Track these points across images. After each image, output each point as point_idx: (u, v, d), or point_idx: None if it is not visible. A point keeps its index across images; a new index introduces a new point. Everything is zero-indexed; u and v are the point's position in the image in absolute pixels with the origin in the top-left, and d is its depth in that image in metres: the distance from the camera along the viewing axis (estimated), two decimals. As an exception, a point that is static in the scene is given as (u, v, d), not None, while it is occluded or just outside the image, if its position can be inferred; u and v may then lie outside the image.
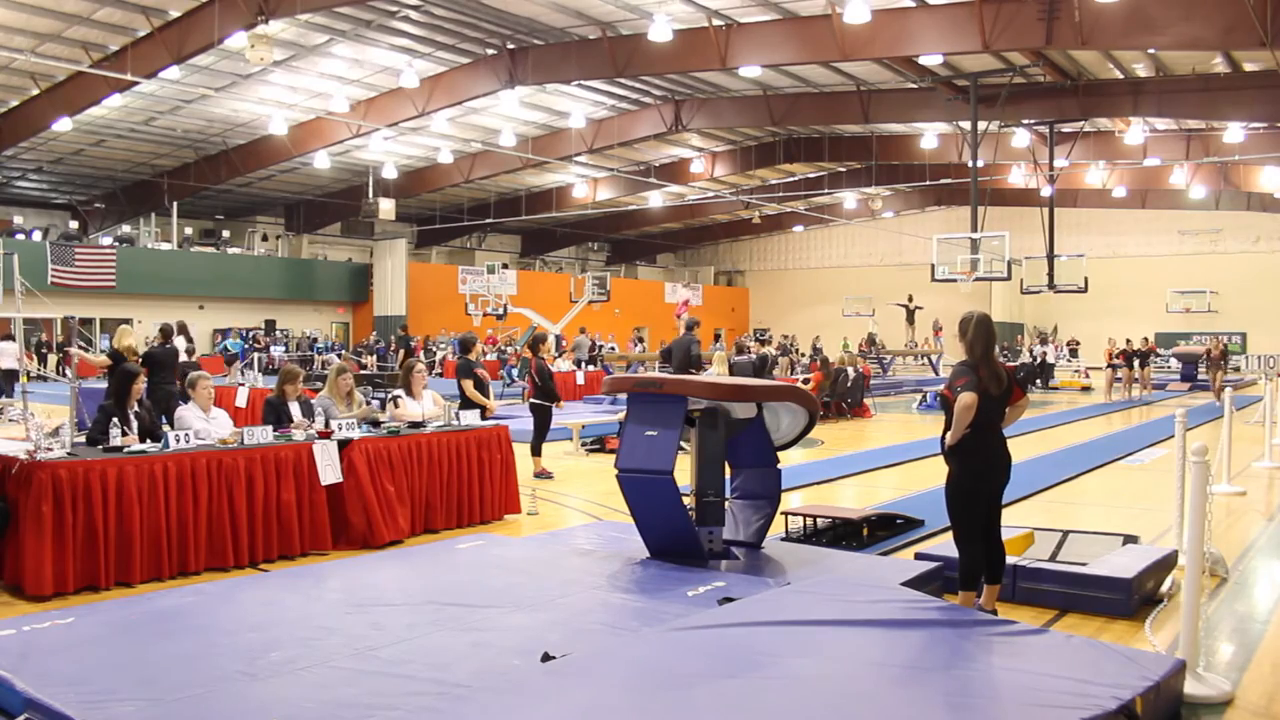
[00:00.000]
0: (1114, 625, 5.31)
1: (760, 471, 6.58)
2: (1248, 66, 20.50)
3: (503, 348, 29.36)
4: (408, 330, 26.31)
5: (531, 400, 10.76)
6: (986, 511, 5.17)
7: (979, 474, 5.09)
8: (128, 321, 29.11)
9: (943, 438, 5.13)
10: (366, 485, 7.10)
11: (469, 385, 9.66)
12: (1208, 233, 37.09)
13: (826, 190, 34.13)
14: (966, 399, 4.89)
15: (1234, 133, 24.58)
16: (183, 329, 16.72)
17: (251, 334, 30.05)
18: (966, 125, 22.46)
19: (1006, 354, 29.30)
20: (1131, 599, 5.44)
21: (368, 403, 9.14)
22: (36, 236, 29.14)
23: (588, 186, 33.88)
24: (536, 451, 10.49)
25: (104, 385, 10.49)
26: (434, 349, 30.49)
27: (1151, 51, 19.85)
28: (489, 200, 35.47)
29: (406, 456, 7.46)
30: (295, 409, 7.67)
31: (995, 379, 5.03)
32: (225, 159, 27.27)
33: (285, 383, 7.84)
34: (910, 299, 33.35)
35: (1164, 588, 5.85)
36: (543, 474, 10.32)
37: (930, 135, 27.39)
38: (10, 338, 17.47)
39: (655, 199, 35.74)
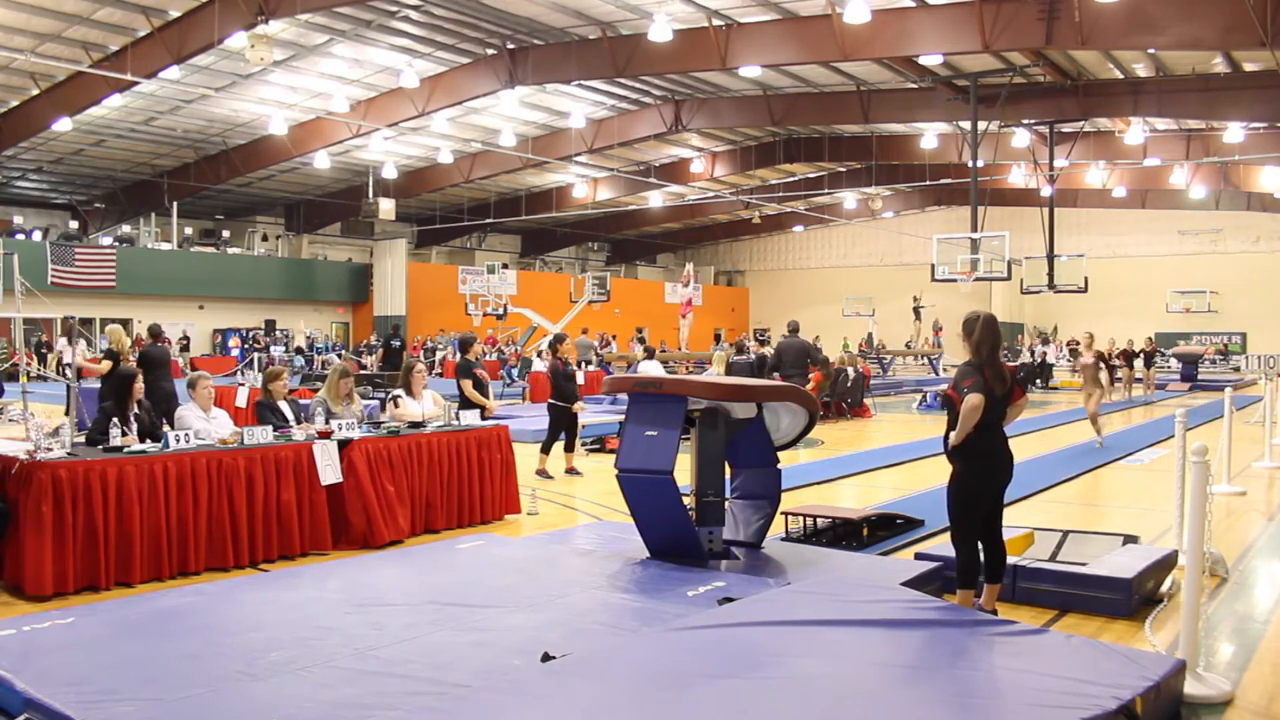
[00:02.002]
0: (1114, 625, 5.31)
1: (760, 471, 6.58)
2: (1248, 66, 20.50)
3: (503, 348, 29.37)
4: (397, 329, 26.28)
5: (549, 400, 10.80)
6: (988, 511, 5.17)
7: (983, 473, 5.10)
8: (126, 322, 29.19)
9: (946, 437, 5.12)
10: (366, 485, 7.10)
11: (468, 385, 9.68)
12: (1208, 233, 37.10)
13: (826, 190, 34.14)
14: (973, 400, 4.88)
15: (1234, 133, 24.58)
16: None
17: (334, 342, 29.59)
18: (966, 125, 22.46)
19: (1007, 354, 29.29)
20: (1131, 599, 5.44)
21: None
22: (36, 236, 29.15)
23: (588, 186, 33.89)
24: (545, 450, 10.54)
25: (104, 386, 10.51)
26: (434, 347, 30.49)
27: (1151, 51, 19.85)
28: (489, 200, 35.48)
29: (406, 456, 7.46)
30: (285, 408, 7.73)
31: (1000, 379, 5.03)
32: (225, 159, 27.28)
33: (269, 382, 7.97)
34: (917, 299, 33.43)
35: (1164, 588, 5.84)
36: (543, 473, 10.37)
37: (930, 135, 27.40)
38: None
39: (655, 199, 35.75)
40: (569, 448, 10.74)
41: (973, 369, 5.02)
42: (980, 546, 5.17)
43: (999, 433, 5.11)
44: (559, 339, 11.46)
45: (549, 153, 26.79)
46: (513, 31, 19.72)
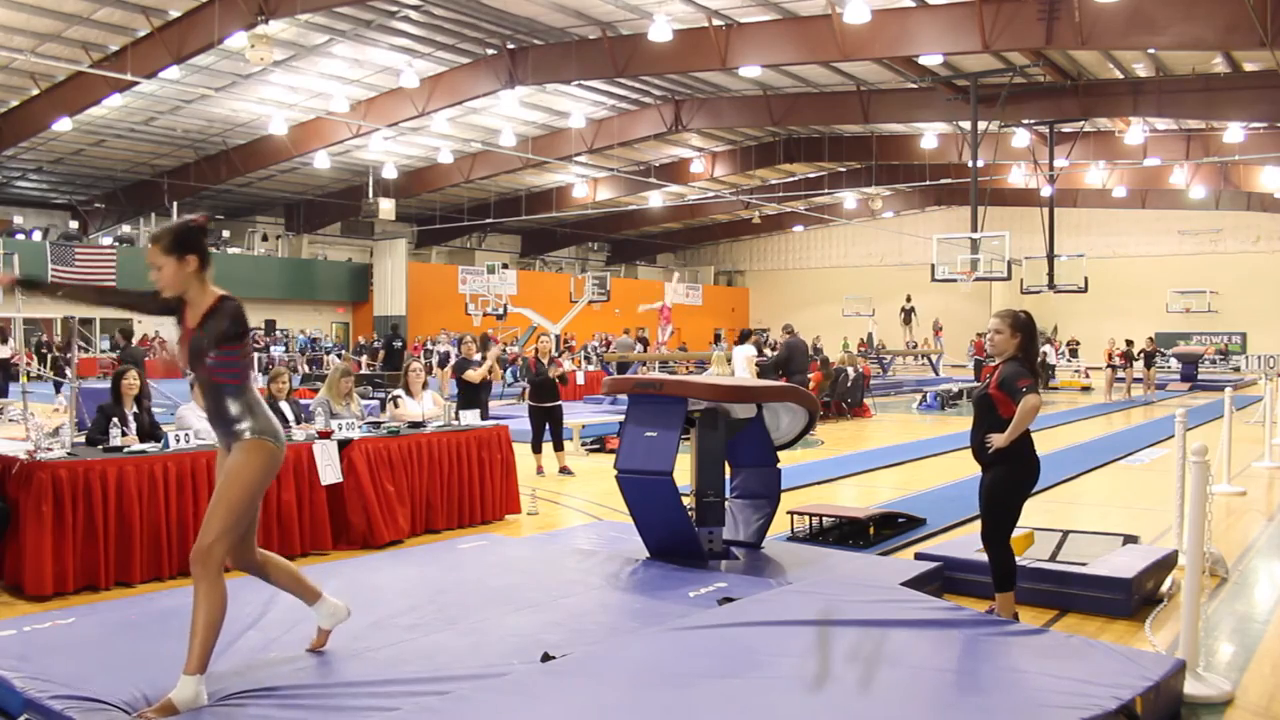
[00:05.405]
0: (1114, 625, 5.31)
1: (760, 471, 6.58)
2: (1248, 66, 20.50)
3: (504, 348, 29.31)
4: (396, 330, 26.29)
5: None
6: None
7: (1027, 476, 5.00)
8: (126, 322, 29.18)
9: (980, 439, 4.98)
10: (366, 485, 7.11)
11: (473, 374, 10.07)
12: (1208, 233, 37.07)
13: (826, 190, 34.13)
14: (1034, 401, 4.76)
15: (1234, 133, 24.57)
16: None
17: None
18: (966, 125, 22.46)
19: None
20: (1131, 599, 5.44)
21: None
22: (36, 236, 29.14)
23: (588, 186, 33.88)
24: (535, 449, 10.76)
25: (104, 386, 10.57)
26: (431, 349, 30.44)
27: (1151, 51, 19.85)
28: (489, 200, 35.47)
29: (406, 456, 7.46)
30: (286, 408, 7.74)
31: (1042, 377, 5.02)
32: (225, 159, 27.28)
33: (270, 382, 8.04)
34: (908, 299, 33.32)
35: (1164, 588, 5.85)
36: (540, 470, 10.56)
37: (930, 135, 27.39)
38: None
39: (655, 199, 35.73)
40: (558, 446, 10.85)
41: (1025, 368, 4.90)
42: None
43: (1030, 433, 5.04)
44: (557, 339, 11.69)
45: (549, 153, 26.78)
46: (513, 31, 19.72)
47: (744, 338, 15.76)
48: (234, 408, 3.82)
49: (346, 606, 4.25)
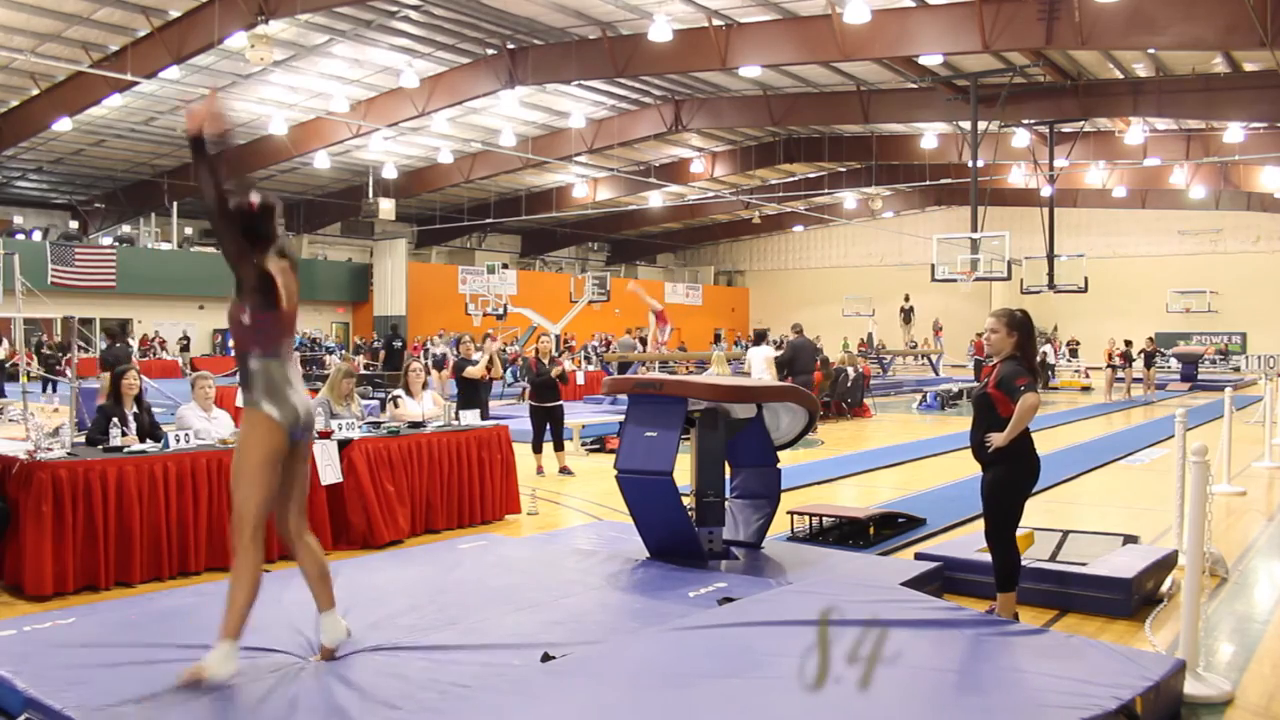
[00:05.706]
0: (1114, 625, 5.31)
1: (760, 471, 6.58)
2: (1248, 66, 20.50)
3: (503, 347, 29.32)
4: (396, 330, 26.30)
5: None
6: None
7: (1028, 474, 5.01)
8: (126, 322, 29.20)
9: (979, 438, 4.99)
10: (366, 485, 7.11)
11: (474, 370, 10.16)
12: (1208, 233, 37.08)
13: (826, 190, 34.14)
14: (1033, 400, 4.78)
15: (1234, 133, 24.59)
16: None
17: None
18: (966, 125, 22.46)
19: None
20: (1131, 599, 5.44)
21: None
22: (36, 236, 29.16)
23: (588, 186, 33.89)
24: (536, 449, 10.77)
25: (100, 386, 10.57)
26: (429, 349, 30.44)
27: (1151, 51, 19.85)
28: (489, 200, 35.48)
29: (406, 456, 7.46)
30: None
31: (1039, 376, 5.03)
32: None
33: None
34: (906, 298, 33.28)
35: (1164, 588, 5.85)
36: (540, 470, 10.58)
37: (930, 135, 27.40)
38: None
39: (655, 199, 35.75)
40: (558, 446, 10.86)
41: (1023, 367, 4.92)
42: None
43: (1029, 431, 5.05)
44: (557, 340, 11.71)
45: (549, 153, 26.78)
46: (513, 31, 19.72)
47: (759, 338, 15.73)
48: (251, 375, 4.06)
49: (348, 629, 4.19)
